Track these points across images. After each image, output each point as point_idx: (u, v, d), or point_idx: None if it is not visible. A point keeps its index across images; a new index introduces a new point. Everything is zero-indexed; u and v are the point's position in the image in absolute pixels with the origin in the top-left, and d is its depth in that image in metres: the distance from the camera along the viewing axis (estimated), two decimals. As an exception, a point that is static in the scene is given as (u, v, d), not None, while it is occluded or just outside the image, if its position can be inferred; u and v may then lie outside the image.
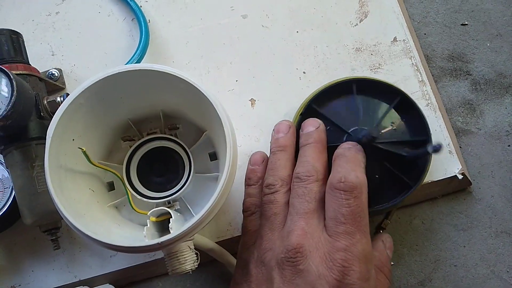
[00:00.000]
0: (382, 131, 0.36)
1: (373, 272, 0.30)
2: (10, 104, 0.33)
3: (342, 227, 0.29)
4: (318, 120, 0.36)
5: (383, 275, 0.33)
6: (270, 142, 0.37)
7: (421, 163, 0.36)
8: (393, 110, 0.37)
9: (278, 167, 0.34)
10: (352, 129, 0.36)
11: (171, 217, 0.33)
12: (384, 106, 0.37)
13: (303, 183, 0.32)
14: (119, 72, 0.32)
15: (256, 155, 0.38)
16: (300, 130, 0.36)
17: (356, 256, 0.28)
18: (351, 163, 0.31)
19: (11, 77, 0.33)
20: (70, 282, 0.39)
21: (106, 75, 0.32)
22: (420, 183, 0.36)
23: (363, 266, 0.29)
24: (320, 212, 0.31)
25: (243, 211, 0.36)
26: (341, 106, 0.38)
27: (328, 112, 0.37)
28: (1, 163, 0.40)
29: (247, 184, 0.37)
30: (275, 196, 0.33)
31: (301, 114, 0.38)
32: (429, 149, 0.30)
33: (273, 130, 0.37)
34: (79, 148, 0.33)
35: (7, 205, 0.39)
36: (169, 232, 0.30)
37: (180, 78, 0.32)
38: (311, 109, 0.38)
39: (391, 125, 0.36)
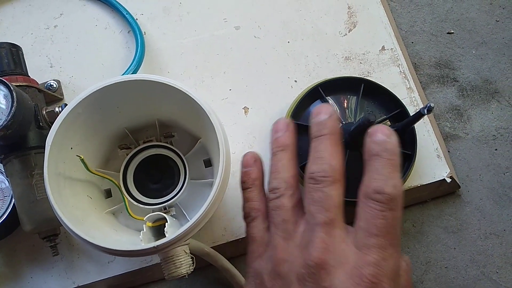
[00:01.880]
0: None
1: None
2: (10, 115, 0.34)
3: (373, 240, 0.26)
4: (331, 106, 0.32)
5: None
6: (270, 143, 0.35)
7: (409, 136, 0.38)
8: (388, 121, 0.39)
9: (280, 169, 0.32)
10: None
11: (167, 222, 0.34)
12: (382, 114, 0.40)
13: (319, 185, 0.29)
14: (116, 83, 0.33)
15: (246, 156, 0.35)
16: (310, 116, 0.32)
17: (387, 272, 0.26)
18: (388, 168, 0.28)
19: (11, 88, 0.34)
20: (69, 288, 0.40)
21: (103, 86, 0.33)
22: (415, 151, 0.37)
23: (393, 284, 0.26)
24: (341, 219, 0.28)
25: (244, 218, 0.34)
26: (342, 102, 0.40)
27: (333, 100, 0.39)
28: (1, 172, 0.41)
29: (243, 188, 0.34)
30: (282, 200, 0.30)
31: (306, 94, 0.39)
32: (422, 110, 0.31)
33: (271, 129, 0.34)
34: (77, 156, 0.34)
35: (7, 213, 0.39)
36: (165, 237, 0.31)
37: (175, 88, 0.33)
38: (317, 92, 0.39)
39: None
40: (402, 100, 0.39)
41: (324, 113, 0.31)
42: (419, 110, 0.32)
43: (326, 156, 0.29)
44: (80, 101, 0.33)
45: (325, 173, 0.29)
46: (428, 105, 0.30)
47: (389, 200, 0.27)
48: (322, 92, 0.39)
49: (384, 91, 0.39)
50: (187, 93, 0.33)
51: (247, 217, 0.33)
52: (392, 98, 0.39)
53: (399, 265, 0.27)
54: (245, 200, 0.34)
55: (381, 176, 0.27)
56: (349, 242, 0.28)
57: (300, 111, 0.40)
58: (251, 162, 0.34)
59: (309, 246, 0.27)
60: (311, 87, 0.40)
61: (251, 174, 0.34)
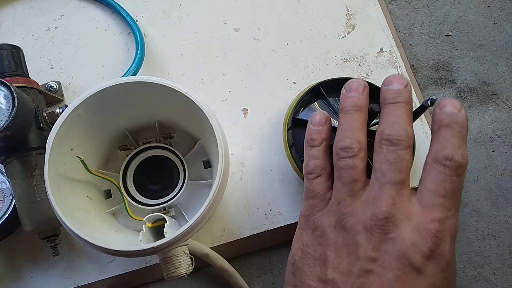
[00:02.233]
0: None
1: (455, 253, 0.29)
2: (11, 116, 0.34)
3: (440, 200, 0.28)
4: (405, 77, 0.33)
5: None
6: (340, 102, 0.34)
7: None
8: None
9: (355, 129, 0.31)
10: None
11: (166, 222, 0.34)
12: None
13: (394, 147, 0.29)
14: (115, 84, 0.34)
15: (318, 115, 0.34)
16: (383, 85, 0.32)
17: (449, 229, 0.28)
18: (458, 139, 0.29)
19: (12, 90, 0.35)
20: (69, 288, 0.40)
21: (103, 87, 0.33)
22: (414, 153, 0.38)
23: (452, 241, 0.28)
24: (408, 183, 0.30)
25: (307, 173, 0.33)
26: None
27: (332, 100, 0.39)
28: (2, 173, 0.41)
29: (310, 145, 0.33)
30: (354, 161, 0.30)
31: (310, 90, 0.39)
32: (425, 103, 0.31)
33: (344, 88, 0.34)
34: (77, 157, 0.34)
35: (7, 214, 0.40)
36: (164, 237, 0.32)
37: (174, 89, 0.34)
38: (318, 91, 0.39)
39: None
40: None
41: (400, 83, 0.32)
42: (422, 103, 0.31)
43: (402, 122, 0.30)
44: (81, 102, 0.33)
45: (400, 137, 0.30)
46: (431, 97, 0.30)
47: (458, 167, 0.28)
48: (323, 91, 0.39)
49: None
50: (186, 94, 0.34)
51: (311, 173, 0.33)
52: None
53: (457, 227, 0.29)
54: (311, 157, 0.33)
55: (451, 144, 0.29)
56: (414, 202, 0.29)
57: (301, 108, 0.40)
58: (323, 122, 0.34)
59: (378, 201, 0.29)
60: (313, 85, 0.40)
61: (322, 133, 0.33)
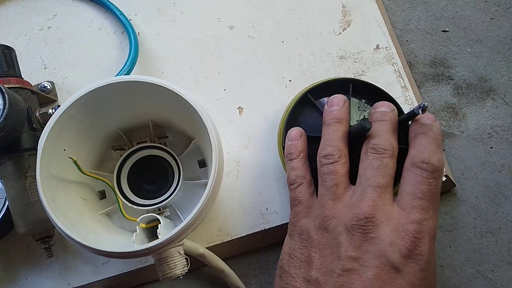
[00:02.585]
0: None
1: (435, 253, 0.31)
2: (2, 117, 0.34)
3: (418, 202, 0.30)
4: (392, 104, 0.36)
5: None
6: (323, 116, 0.36)
7: (405, 133, 0.36)
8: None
9: (336, 138, 0.34)
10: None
11: (160, 223, 0.34)
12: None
13: (379, 155, 0.32)
14: (109, 84, 0.33)
15: (293, 131, 0.37)
16: (372, 109, 0.36)
17: (427, 231, 0.29)
18: (434, 145, 0.32)
19: (3, 90, 0.34)
20: (64, 289, 0.40)
21: (95, 87, 0.33)
22: None
23: (431, 242, 0.29)
24: (391, 189, 0.32)
25: (290, 184, 0.35)
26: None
27: (322, 105, 0.38)
28: (-5, 175, 0.41)
29: (289, 159, 0.36)
30: (335, 166, 0.33)
31: (297, 101, 0.39)
32: (416, 110, 0.31)
33: (326, 104, 0.36)
34: (70, 158, 0.34)
35: (1, 216, 0.39)
36: (158, 238, 0.31)
37: (168, 89, 0.33)
38: (307, 98, 0.39)
39: None
40: (397, 99, 0.39)
41: (387, 107, 0.35)
42: (413, 109, 0.32)
43: (387, 135, 0.33)
44: (73, 102, 0.33)
45: (385, 146, 0.32)
46: (422, 104, 0.31)
47: (434, 170, 0.30)
48: (311, 98, 0.39)
49: (375, 89, 0.38)
50: (179, 94, 0.33)
51: (293, 183, 0.35)
52: (384, 96, 0.39)
53: (436, 228, 0.30)
54: (292, 169, 0.36)
55: (427, 149, 0.31)
56: (395, 205, 0.31)
57: (294, 119, 0.39)
58: (298, 136, 0.37)
59: (360, 203, 0.30)
60: (301, 94, 0.39)
61: (298, 146, 0.36)
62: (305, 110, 0.39)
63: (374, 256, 0.29)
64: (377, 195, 0.30)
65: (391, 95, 0.38)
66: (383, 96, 0.39)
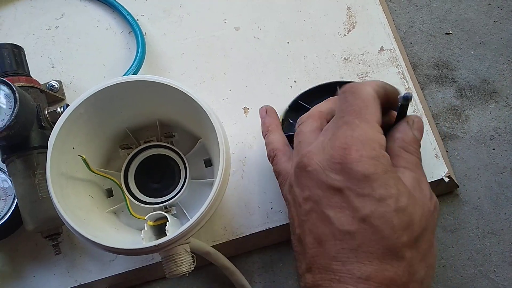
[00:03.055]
0: None
1: (383, 153, 0.28)
2: (13, 115, 0.34)
3: (340, 121, 0.29)
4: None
5: (408, 153, 0.30)
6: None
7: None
8: None
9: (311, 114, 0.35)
10: None
11: (168, 220, 0.34)
12: None
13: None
14: (117, 83, 0.34)
15: (260, 110, 0.39)
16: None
17: (357, 137, 0.27)
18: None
19: (14, 89, 0.35)
20: (71, 286, 0.41)
21: (105, 86, 0.34)
22: None
23: (367, 146, 0.27)
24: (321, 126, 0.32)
25: (269, 160, 0.36)
26: None
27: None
28: (4, 172, 0.41)
29: (263, 136, 0.38)
30: (300, 127, 0.33)
31: (289, 106, 0.41)
32: (400, 99, 0.30)
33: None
34: (79, 155, 0.34)
35: (9, 213, 0.40)
36: (166, 235, 0.32)
37: (175, 88, 0.34)
38: (298, 104, 0.40)
39: None
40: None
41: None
42: (399, 103, 0.31)
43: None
44: (82, 101, 0.33)
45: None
46: (406, 94, 0.30)
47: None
48: (304, 104, 0.40)
49: None
50: (187, 93, 0.34)
51: (270, 158, 0.36)
52: None
53: (374, 133, 0.28)
54: (266, 145, 0.37)
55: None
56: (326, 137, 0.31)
57: (288, 124, 0.42)
58: (263, 114, 0.39)
59: (299, 151, 0.31)
60: (292, 101, 0.41)
61: (265, 122, 0.38)
62: (299, 115, 0.39)
63: (316, 188, 0.28)
64: (308, 135, 0.32)
65: None
66: None
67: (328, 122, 0.32)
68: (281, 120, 0.41)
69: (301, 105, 0.41)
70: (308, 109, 0.39)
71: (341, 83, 0.39)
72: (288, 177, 0.32)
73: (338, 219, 0.26)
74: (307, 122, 0.33)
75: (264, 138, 0.37)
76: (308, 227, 0.28)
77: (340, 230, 0.26)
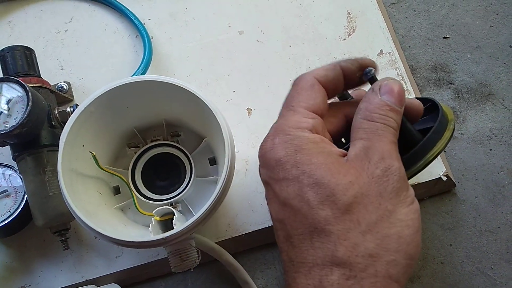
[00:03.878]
0: None
1: (298, 135, 0.27)
2: (26, 113, 0.35)
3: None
4: None
5: (370, 122, 0.27)
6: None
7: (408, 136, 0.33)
8: None
9: None
10: None
11: (175, 215, 0.35)
12: None
13: None
14: (126, 83, 0.35)
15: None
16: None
17: (275, 127, 0.28)
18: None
19: (27, 88, 0.36)
20: (78, 281, 0.41)
21: (115, 86, 0.35)
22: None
23: (281, 132, 0.27)
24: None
25: None
26: None
27: None
28: (15, 170, 0.42)
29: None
30: None
31: None
32: (364, 77, 0.30)
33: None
34: (90, 152, 0.35)
35: (19, 210, 0.41)
36: (172, 231, 0.33)
37: (183, 88, 0.35)
38: None
39: None
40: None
41: None
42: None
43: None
44: (93, 100, 0.35)
45: None
46: (365, 70, 0.30)
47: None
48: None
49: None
50: (194, 93, 0.35)
51: None
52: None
53: (291, 119, 0.28)
54: None
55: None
56: None
57: None
58: None
59: None
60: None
61: None
62: None
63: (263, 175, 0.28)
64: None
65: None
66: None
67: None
68: None
69: None
70: None
71: None
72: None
73: (273, 209, 0.27)
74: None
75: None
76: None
77: (276, 219, 0.27)
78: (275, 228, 0.27)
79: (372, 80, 0.30)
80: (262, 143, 0.29)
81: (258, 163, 0.30)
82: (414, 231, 0.25)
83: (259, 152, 0.29)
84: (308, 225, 0.24)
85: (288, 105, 0.29)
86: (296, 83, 0.30)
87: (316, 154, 0.26)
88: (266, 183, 0.28)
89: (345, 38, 0.48)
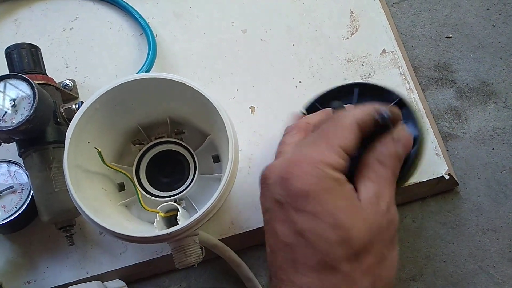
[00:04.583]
0: None
1: (330, 174, 0.28)
2: (32, 109, 0.36)
3: (311, 140, 0.30)
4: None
5: (381, 166, 0.30)
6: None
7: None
8: None
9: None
10: None
11: (179, 211, 0.35)
12: None
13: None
14: (131, 80, 0.35)
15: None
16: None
17: (310, 156, 0.29)
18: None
19: (33, 85, 0.36)
20: (83, 277, 0.42)
21: (120, 83, 0.35)
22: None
23: (314, 165, 0.28)
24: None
25: None
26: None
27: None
28: (20, 167, 0.43)
29: None
30: (283, 138, 0.35)
31: (306, 109, 0.40)
32: (379, 120, 0.31)
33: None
34: (95, 148, 0.36)
35: (25, 206, 0.41)
36: (176, 226, 0.33)
37: (187, 85, 0.35)
38: (315, 107, 0.40)
39: None
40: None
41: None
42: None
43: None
44: (99, 97, 0.35)
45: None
46: (381, 115, 0.31)
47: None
48: (319, 107, 0.40)
49: (379, 88, 0.39)
50: (198, 90, 0.35)
51: None
52: (387, 92, 0.38)
53: (295, 155, 0.30)
54: None
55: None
56: None
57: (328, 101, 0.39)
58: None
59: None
60: (308, 103, 0.40)
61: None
62: None
63: (270, 201, 0.29)
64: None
65: (395, 91, 0.37)
66: (387, 93, 0.38)
67: None
68: None
69: (317, 108, 0.40)
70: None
71: (357, 85, 0.39)
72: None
73: (281, 231, 0.28)
74: (291, 134, 0.34)
75: None
76: (266, 236, 0.30)
77: (282, 242, 0.28)
78: (275, 246, 0.29)
79: (387, 123, 0.31)
80: (285, 162, 0.29)
81: (263, 166, 0.31)
82: (395, 270, 0.29)
83: (279, 169, 0.29)
84: (320, 259, 0.26)
85: (327, 139, 0.30)
86: (336, 119, 0.31)
87: (341, 196, 0.28)
88: (279, 203, 0.28)
89: (348, 37, 0.48)
